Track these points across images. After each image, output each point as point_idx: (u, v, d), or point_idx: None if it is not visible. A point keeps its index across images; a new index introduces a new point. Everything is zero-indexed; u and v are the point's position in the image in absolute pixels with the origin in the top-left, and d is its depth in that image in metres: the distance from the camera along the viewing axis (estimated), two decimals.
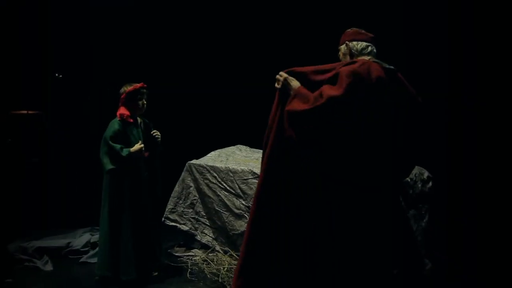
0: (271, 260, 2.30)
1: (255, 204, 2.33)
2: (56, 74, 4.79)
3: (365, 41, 2.38)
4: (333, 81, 2.13)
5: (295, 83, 2.27)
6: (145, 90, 3.36)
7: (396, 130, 2.23)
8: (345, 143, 2.11)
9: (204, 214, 3.95)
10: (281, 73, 2.34)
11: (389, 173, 2.26)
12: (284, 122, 2.25)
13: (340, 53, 2.45)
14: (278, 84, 2.33)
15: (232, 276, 3.38)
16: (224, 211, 3.82)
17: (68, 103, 5.15)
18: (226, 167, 3.84)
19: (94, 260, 3.61)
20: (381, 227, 2.26)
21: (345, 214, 2.17)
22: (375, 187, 2.20)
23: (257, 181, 3.65)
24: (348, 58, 2.38)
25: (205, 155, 4.22)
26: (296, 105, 2.16)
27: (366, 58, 2.30)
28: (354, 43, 2.38)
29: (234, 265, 3.58)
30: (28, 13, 4.84)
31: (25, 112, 4.95)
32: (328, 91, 2.06)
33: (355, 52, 2.36)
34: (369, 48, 2.36)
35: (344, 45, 2.41)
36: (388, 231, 2.35)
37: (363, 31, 2.43)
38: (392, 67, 2.25)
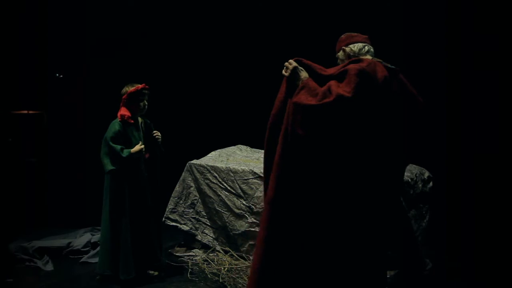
0: (293, 269, 2.21)
1: (271, 209, 2.21)
2: (57, 74, 4.80)
3: (360, 42, 2.39)
4: (340, 77, 2.12)
5: (304, 74, 2.25)
6: (146, 91, 3.35)
7: (398, 129, 2.23)
8: (349, 140, 2.11)
9: (205, 214, 3.95)
10: (290, 61, 2.30)
11: (390, 172, 2.26)
12: (289, 114, 2.19)
13: (339, 60, 2.46)
14: (286, 72, 2.29)
15: (233, 276, 3.39)
16: (225, 211, 3.82)
17: (68, 103, 5.15)
18: (226, 167, 3.84)
19: (95, 260, 3.62)
20: (384, 227, 2.26)
21: (348, 215, 2.16)
22: (377, 186, 2.20)
23: (257, 181, 3.66)
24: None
25: (205, 155, 4.21)
26: (303, 98, 2.13)
27: (369, 58, 2.31)
28: (350, 46, 2.39)
29: (235, 265, 3.59)
30: (28, 12, 4.84)
31: (25, 112, 4.96)
32: (337, 88, 2.05)
33: (353, 55, 2.37)
34: (366, 48, 2.37)
35: (341, 51, 2.42)
36: (390, 230, 2.36)
37: (355, 33, 2.44)
38: (394, 67, 2.26)
